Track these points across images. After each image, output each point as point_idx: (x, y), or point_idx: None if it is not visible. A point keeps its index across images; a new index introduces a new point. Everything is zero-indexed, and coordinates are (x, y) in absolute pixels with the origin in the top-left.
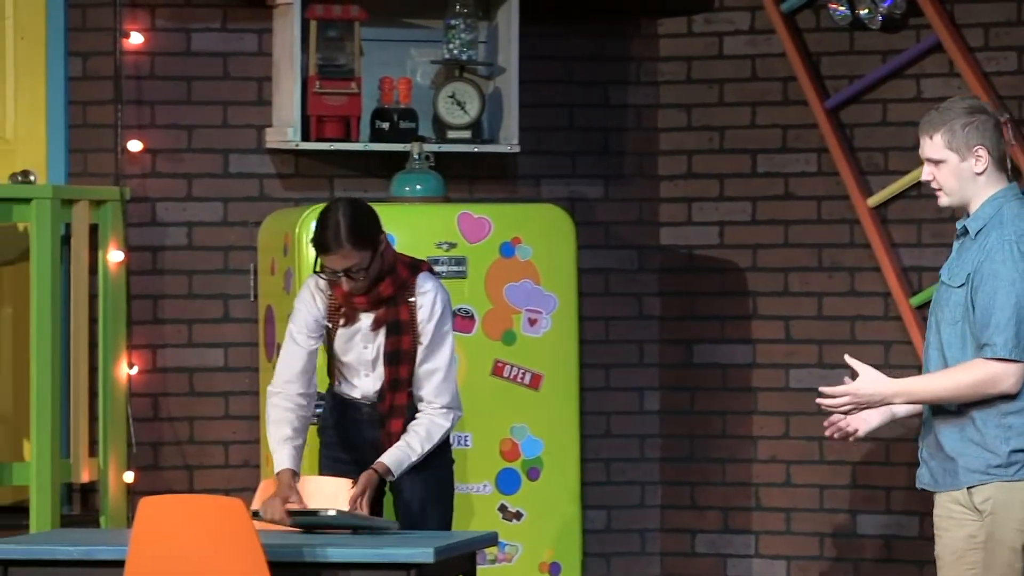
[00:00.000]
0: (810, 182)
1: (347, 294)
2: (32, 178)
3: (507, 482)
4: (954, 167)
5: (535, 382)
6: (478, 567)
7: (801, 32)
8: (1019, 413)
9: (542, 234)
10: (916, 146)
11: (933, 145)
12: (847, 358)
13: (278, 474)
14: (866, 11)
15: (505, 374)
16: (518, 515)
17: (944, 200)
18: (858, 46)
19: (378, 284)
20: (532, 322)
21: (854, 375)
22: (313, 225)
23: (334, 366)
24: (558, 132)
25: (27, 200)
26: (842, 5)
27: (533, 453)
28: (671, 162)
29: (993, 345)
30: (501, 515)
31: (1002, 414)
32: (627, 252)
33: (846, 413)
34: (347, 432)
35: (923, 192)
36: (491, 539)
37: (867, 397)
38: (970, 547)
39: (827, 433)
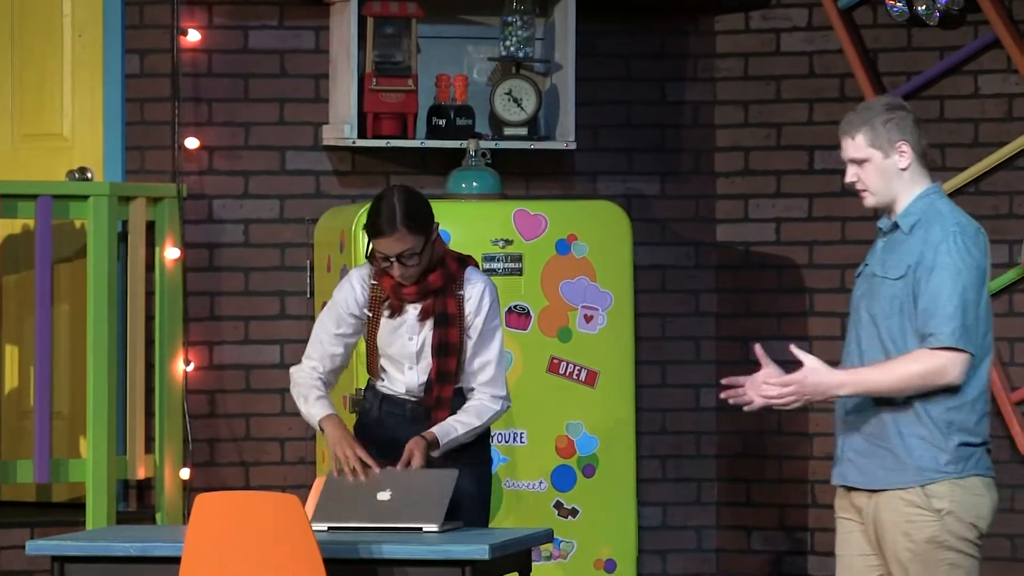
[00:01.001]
0: None
1: (396, 285)
2: (89, 175)
3: (562, 479)
4: (878, 165)
5: (590, 379)
6: (533, 564)
7: (858, 28)
8: (960, 408)
9: (598, 231)
10: (974, 143)
11: (855, 145)
12: (792, 348)
13: (327, 420)
14: (924, 7)
15: (561, 371)
16: (573, 512)
17: (870, 200)
18: (915, 42)
19: (428, 275)
20: (588, 319)
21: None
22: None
23: (375, 361)
24: (614, 129)
25: (84, 197)
26: (899, 1)
27: (588, 450)
28: (728, 159)
29: (939, 334)
30: (556, 512)
31: (945, 409)
32: (683, 249)
33: (787, 405)
34: (389, 429)
35: (980, 189)
36: (546, 536)
37: (813, 387)
38: (934, 547)
39: (723, 395)
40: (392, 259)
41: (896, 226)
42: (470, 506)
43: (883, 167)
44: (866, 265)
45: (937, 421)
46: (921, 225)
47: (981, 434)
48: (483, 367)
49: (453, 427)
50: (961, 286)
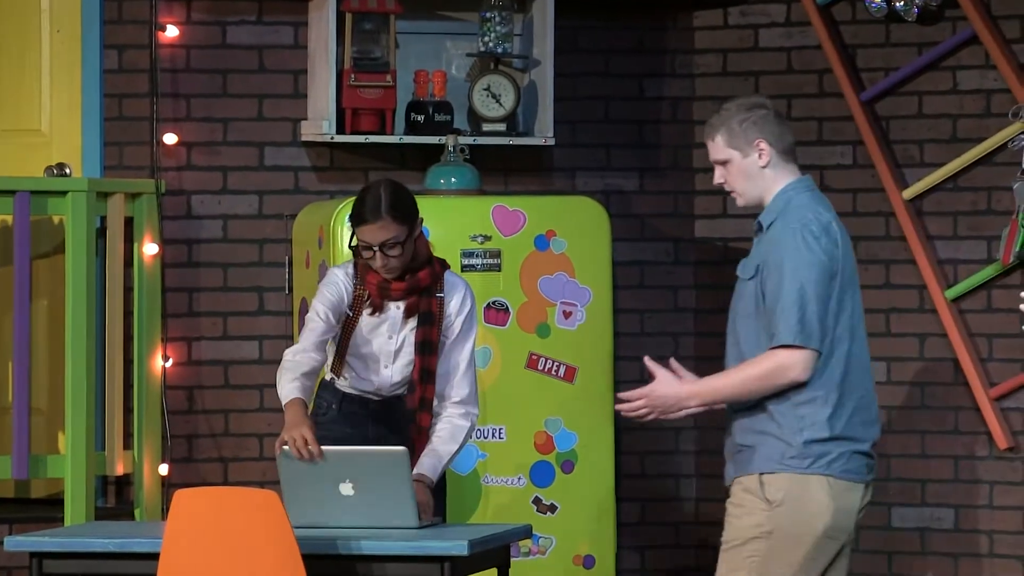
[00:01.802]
0: (845, 174)
1: (381, 282)
2: (67, 171)
3: (541, 475)
4: (739, 164)
5: (569, 375)
6: (512, 560)
7: (837, 24)
8: (811, 403)
9: (577, 227)
10: (952, 138)
11: (716, 147)
12: (645, 360)
13: (290, 403)
14: (902, 3)
15: (539, 367)
16: (552, 508)
17: (740, 200)
18: (894, 38)
19: (416, 272)
20: (566, 315)
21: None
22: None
23: (341, 361)
24: (593, 125)
25: (62, 193)
26: None
27: (567, 446)
28: (706, 155)
29: (778, 333)
30: (535, 508)
31: (795, 404)
32: (662, 245)
33: (643, 418)
34: (350, 428)
35: (959, 185)
36: (525, 532)
37: (662, 400)
38: (754, 535)
39: (618, 407)
40: (375, 248)
41: (761, 226)
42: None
43: (744, 166)
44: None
45: (787, 417)
46: (777, 222)
47: (837, 429)
48: (451, 370)
49: (439, 460)
50: (799, 283)
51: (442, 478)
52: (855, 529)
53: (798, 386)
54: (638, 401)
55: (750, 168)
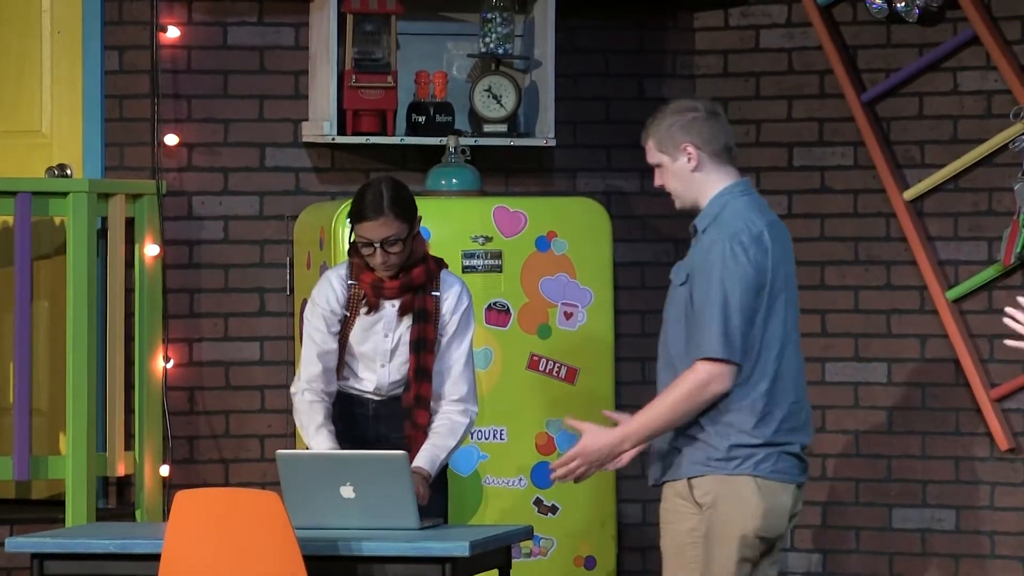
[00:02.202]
0: (846, 175)
1: (376, 281)
2: (68, 172)
3: (542, 476)
4: (670, 168)
5: (570, 376)
6: (513, 561)
7: (838, 25)
8: (738, 411)
9: (578, 228)
10: (953, 139)
11: (649, 151)
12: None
13: None
14: (903, 4)
15: (540, 368)
16: (553, 509)
17: (677, 203)
18: (895, 39)
19: (411, 270)
20: (567, 316)
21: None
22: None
23: (341, 362)
24: (594, 125)
25: (63, 194)
26: None
27: (568, 447)
28: None
29: (701, 344)
30: (536, 509)
31: (721, 412)
32: (663, 245)
33: (582, 476)
34: (352, 429)
35: (960, 186)
36: (526, 533)
37: (596, 453)
38: (691, 541)
39: (552, 477)
40: (375, 245)
41: (696, 229)
42: (439, 498)
43: (675, 170)
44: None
45: (715, 424)
46: (711, 228)
47: (764, 436)
48: (448, 368)
49: (436, 455)
50: (724, 295)
51: (444, 479)
52: (790, 530)
53: (724, 396)
54: (572, 463)
55: (680, 172)
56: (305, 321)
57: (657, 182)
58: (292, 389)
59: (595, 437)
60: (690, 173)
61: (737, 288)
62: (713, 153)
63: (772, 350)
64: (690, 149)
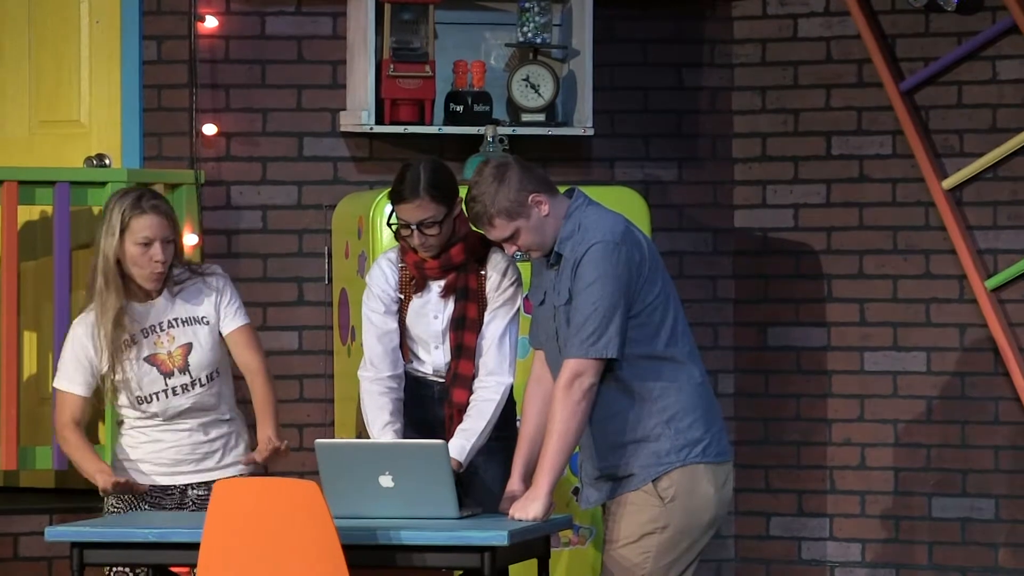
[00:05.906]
0: (885, 164)
1: (419, 261)
2: (107, 162)
3: None
4: (527, 227)
5: None
6: (552, 550)
7: (876, 14)
8: (664, 396)
9: None
10: (992, 128)
11: (500, 229)
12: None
13: None
14: None
15: None
16: None
17: (536, 254)
18: (933, 28)
19: (449, 249)
20: None
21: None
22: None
23: (403, 343)
24: (632, 115)
25: (102, 184)
26: None
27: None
28: (745, 145)
29: (572, 346)
30: (575, 498)
31: (653, 400)
32: (701, 235)
33: (537, 519)
34: (417, 411)
35: (998, 174)
36: (566, 522)
37: (523, 512)
38: (649, 531)
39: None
40: (412, 227)
41: (559, 257)
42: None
43: (533, 226)
44: (545, 293)
45: (651, 417)
46: (572, 244)
47: (706, 422)
48: (485, 345)
49: (468, 440)
50: (594, 296)
51: (486, 466)
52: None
53: (648, 392)
54: (517, 515)
55: (537, 224)
56: (363, 305)
57: (510, 251)
58: (360, 372)
59: (523, 509)
60: (543, 219)
61: (607, 289)
62: (547, 189)
63: (687, 336)
64: (537, 197)
